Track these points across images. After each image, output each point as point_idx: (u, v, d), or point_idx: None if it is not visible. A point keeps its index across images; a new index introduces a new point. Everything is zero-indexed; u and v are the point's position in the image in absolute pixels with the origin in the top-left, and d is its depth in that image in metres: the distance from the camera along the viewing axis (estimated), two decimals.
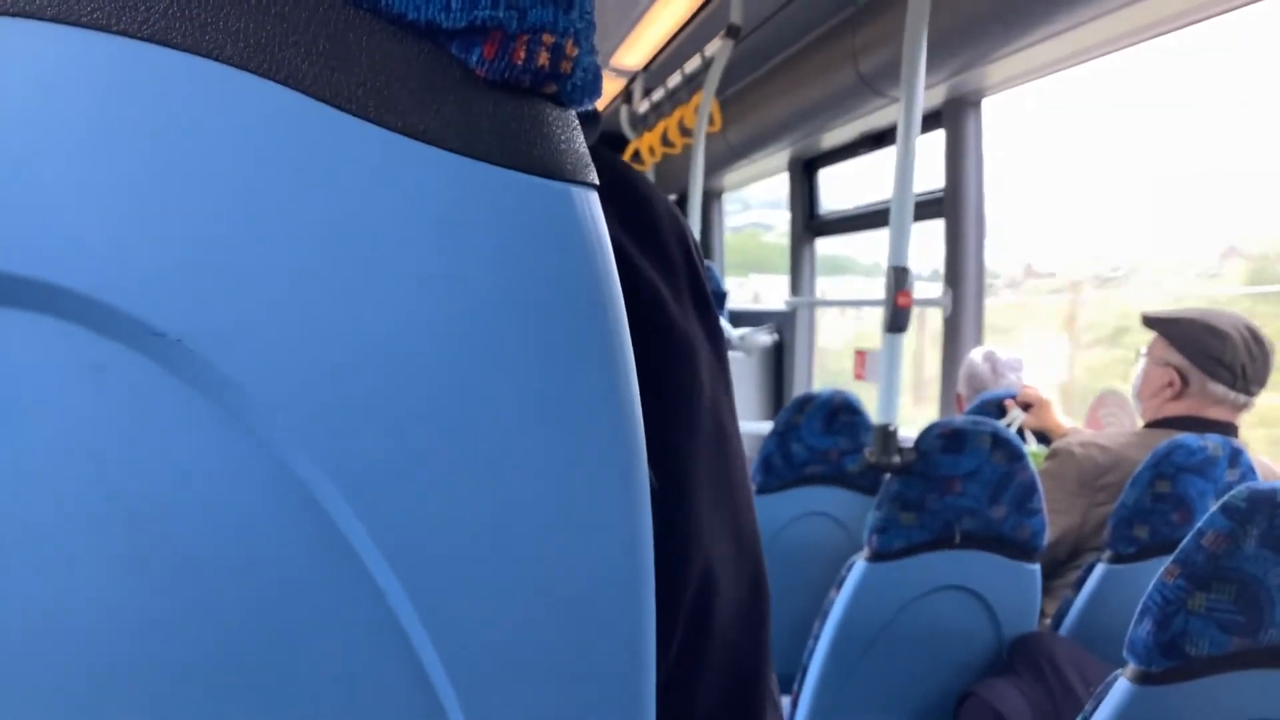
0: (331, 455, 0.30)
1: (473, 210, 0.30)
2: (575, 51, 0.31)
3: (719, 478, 0.49)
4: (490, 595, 0.32)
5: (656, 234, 0.49)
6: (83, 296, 0.29)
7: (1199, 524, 1.16)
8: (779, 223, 5.01)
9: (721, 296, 4.47)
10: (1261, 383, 1.93)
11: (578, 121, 0.33)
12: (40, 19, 0.29)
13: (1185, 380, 1.97)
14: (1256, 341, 1.91)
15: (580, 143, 0.32)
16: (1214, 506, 1.16)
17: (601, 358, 0.32)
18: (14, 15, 0.29)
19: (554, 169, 0.31)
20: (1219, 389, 1.93)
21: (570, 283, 0.31)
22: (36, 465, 0.29)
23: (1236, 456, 1.75)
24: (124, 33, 0.29)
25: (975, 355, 2.68)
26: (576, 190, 0.32)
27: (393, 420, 0.30)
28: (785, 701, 1.85)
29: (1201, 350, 1.94)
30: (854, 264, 4.53)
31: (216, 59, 0.29)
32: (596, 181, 0.33)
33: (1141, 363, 2.06)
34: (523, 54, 0.30)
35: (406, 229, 0.30)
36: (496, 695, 0.33)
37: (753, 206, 5.51)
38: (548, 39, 0.31)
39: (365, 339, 0.30)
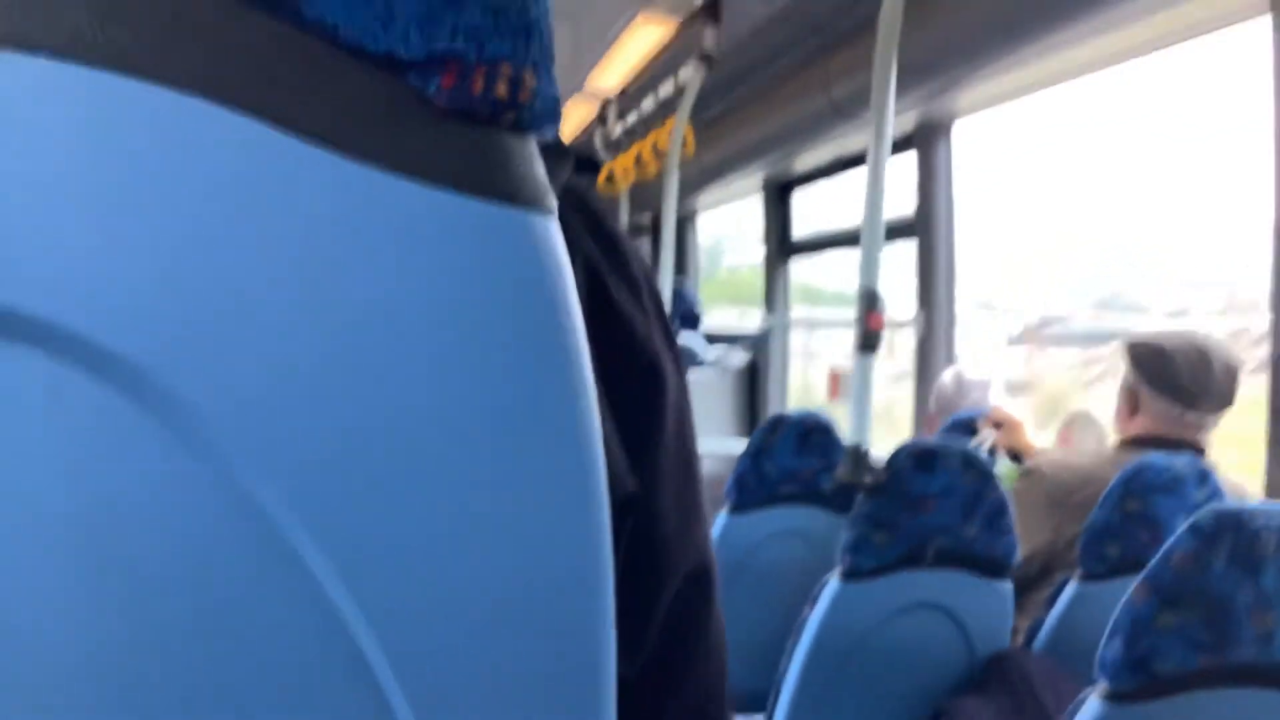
0: (287, 477, 0.30)
1: (431, 237, 0.31)
2: (534, 82, 0.32)
3: (686, 495, 0.53)
4: (444, 609, 0.32)
5: (628, 267, 0.51)
6: (38, 320, 0.29)
7: (1168, 543, 1.17)
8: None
9: (696, 318, 4.49)
10: (1217, 400, 1.94)
11: (537, 149, 0.33)
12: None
13: (1136, 399, 2.00)
14: (1202, 359, 1.93)
15: (539, 170, 0.33)
16: (1183, 526, 1.17)
17: (559, 381, 0.32)
18: None
19: (512, 195, 0.31)
20: (1163, 405, 1.95)
21: (529, 307, 0.32)
22: None
23: (1204, 476, 1.77)
24: (82, 61, 0.29)
25: (945, 375, 2.70)
26: (535, 217, 0.32)
27: (348, 442, 0.30)
28: (759, 718, 1.85)
29: (1148, 369, 1.97)
30: (820, 294, 4.56)
31: (175, 88, 0.29)
32: (555, 208, 0.33)
33: None
34: (480, 84, 0.31)
35: (364, 256, 0.30)
36: (450, 706, 0.33)
37: None
38: (506, 70, 0.31)
39: (322, 363, 0.30)
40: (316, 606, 0.31)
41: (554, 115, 0.33)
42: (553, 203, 0.33)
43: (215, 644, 0.31)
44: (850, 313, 1.89)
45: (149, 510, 0.30)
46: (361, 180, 0.30)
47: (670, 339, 0.53)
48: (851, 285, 1.86)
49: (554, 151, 0.40)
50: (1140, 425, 2.00)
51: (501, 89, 0.31)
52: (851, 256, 3.54)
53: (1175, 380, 1.93)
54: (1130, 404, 2.01)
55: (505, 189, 0.31)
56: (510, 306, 0.32)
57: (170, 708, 0.31)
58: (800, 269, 4.14)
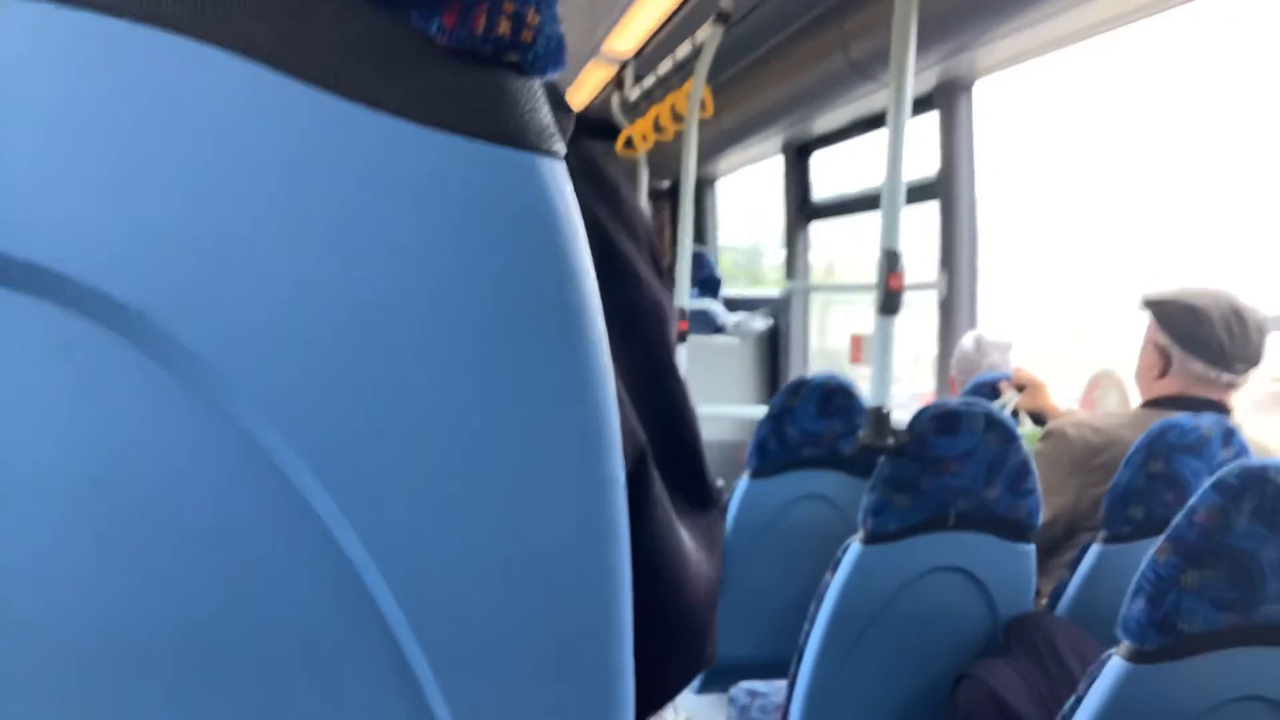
0: (295, 426, 0.30)
1: (436, 181, 0.30)
2: (536, 20, 0.31)
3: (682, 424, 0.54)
4: (460, 564, 0.32)
5: (626, 211, 0.52)
6: (46, 270, 0.29)
7: (1191, 501, 1.16)
8: None
9: (716, 282, 4.47)
10: (1248, 360, 1.92)
11: (542, 91, 0.32)
12: None
13: (1168, 359, 1.96)
14: (1238, 319, 1.90)
15: (545, 113, 0.32)
16: (1206, 483, 1.16)
17: (569, 325, 0.32)
18: None
19: (517, 138, 0.31)
20: (1199, 366, 1.92)
21: (536, 251, 0.31)
22: (3, 436, 0.29)
23: (1230, 436, 1.75)
24: (80, 5, 0.28)
25: (965, 339, 2.68)
26: (541, 159, 0.31)
27: (357, 390, 0.30)
28: (782, 684, 1.85)
29: (1181, 328, 1.93)
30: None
31: (175, 31, 0.29)
32: (561, 151, 0.32)
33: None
34: (483, 22, 0.30)
35: (369, 200, 0.30)
36: (471, 663, 0.33)
37: None
38: (508, 7, 0.30)
39: (328, 310, 0.30)
40: (330, 560, 0.31)
41: (558, 56, 0.32)
42: (559, 146, 0.32)
43: (230, 597, 0.31)
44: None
45: (158, 460, 0.30)
46: (364, 123, 0.29)
47: (661, 272, 0.54)
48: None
49: (556, 105, 0.39)
50: (1170, 386, 1.97)
51: (504, 27, 0.30)
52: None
53: (1212, 340, 1.90)
54: (1160, 364, 1.98)
55: (510, 131, 0.31)
56: (518, 251, 0.31)
57: (186, 660, 0.31)
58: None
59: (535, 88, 0.32)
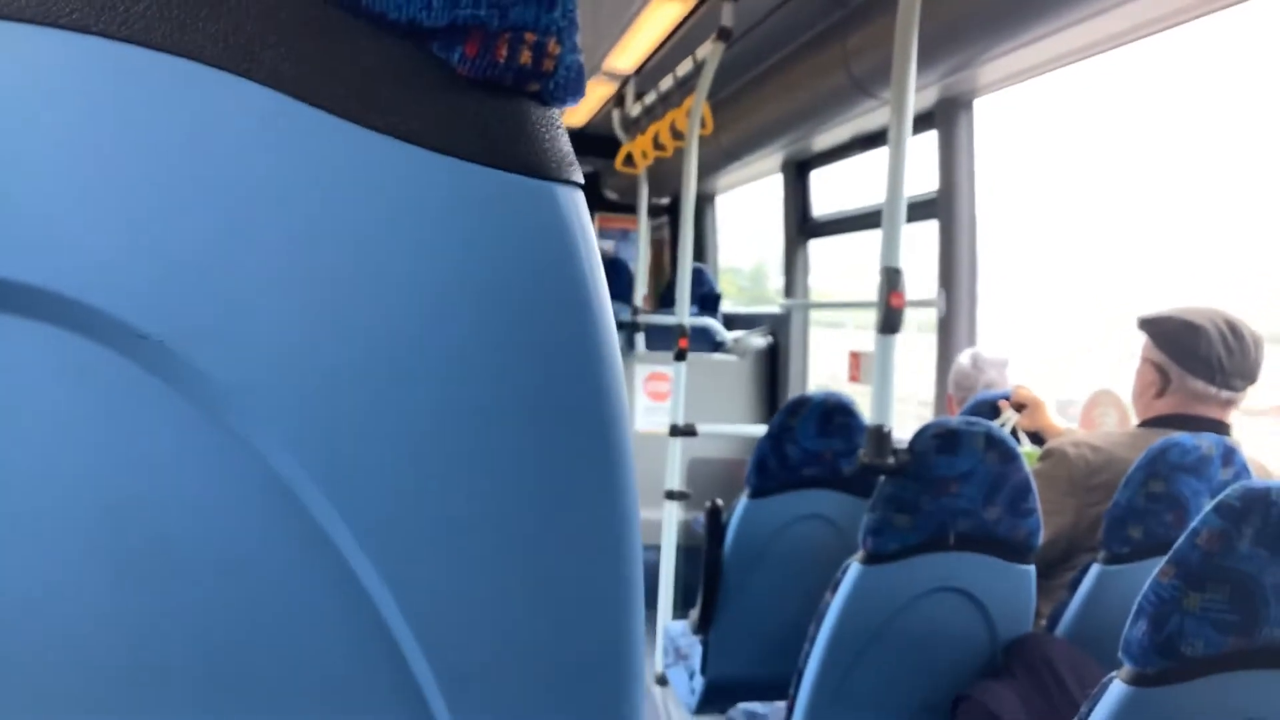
0: (314, 455, 0.30)
1: (456, 209, 0.30)
2: (558, 50, 0.31)
3: None
4: (474, 592, 0.32)
5: None
6: (67, 299, 0.29)
7: (1193, 523, 1.15)
8: None
9: (715, 299, 4.48)
10: (1245, 377, 1.92)
11: (560, 120, 0.32)
12: (19, 20, 0.29)
13: (1166, 377, 1.96)
14: (1234, 335, 1.90)
15: (564, 141, 0.32)
16: (1208, 506, 1.15)
17: (585, 352, 0.32)
18: None
19: (538, 167, 0.31)
20: (1198, 384, 1.92)
21: (555, 280, 0.31)
22: (19, 464, 0.29)
23: (1230, 455, 1.75)
24: (104, 34, 0.28)
25: (962, 356, 2.68)
26: (561, 189, 0.31)
27: (372, 416, 0.30)
28: (781, 705, 1.85)
29: (1178, 346, 1.93)
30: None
31: (197, 60, 0.29)
32: (580, 179, 0.32)
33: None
34: (505, 52, 0.30)
35: (388, 228, 0.30)
36: (483, 691, 0.32)
37: None
38: (530, 37, 0.30)
39: (346, 336, 0.30)
40: (342, 582, 0.31)
41: (578, 85, 0.32)
42: (578, 174, 0.32)
43: (243, 620, 0.31)
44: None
45: (175, 486, 0.30)
46: (384, 152, 0.29)
47: None
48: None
49: None
50: (1169, 404, 1.97)
51: (525, 57, 0.30)
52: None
53: (1210, 357, 1.90)
54: (1158, 383, 1.97)
55: (530, 160, 0.31)
56: (537, 280, 0.31)
57: (198, 682, 0.31)
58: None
59: (555, 117, 0.32)
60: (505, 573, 0.32)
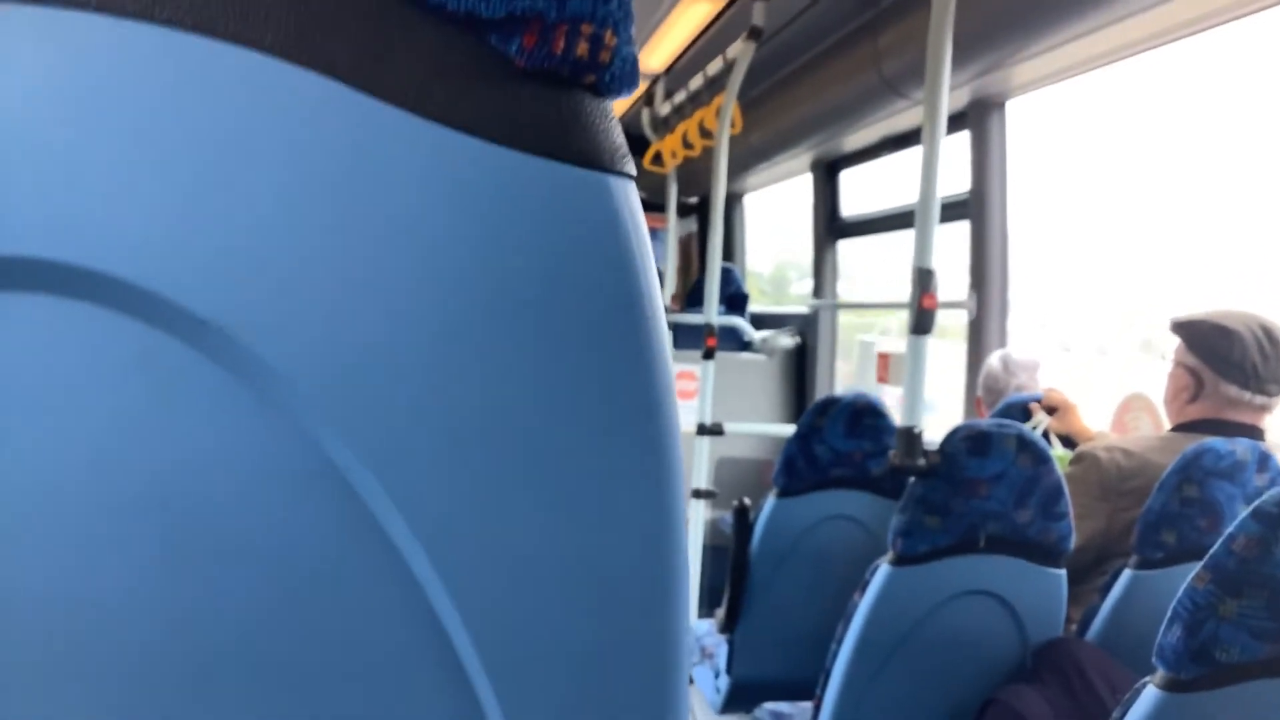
0: (369, 442, 0.30)
1: (511, 200, 0.30)
2: (614, 41, 0.31)
3: None
4: (523, 582, 0.32)
5: None
6: (129, 285, 0.29)
7: (1230, 529, 1.14)
8: None
9: (743, 299, 4.47)
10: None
11: (613, 112, 0.32)
12: (84, 10, 0.29)
13: (1200, 382, 1.94)
14: (1270, 340, 1.87)
15: (618, 133, 0.32)
16: (1244, 511, 1.14)
17: (637, 341, 0.32)
18: (59, 6, 0.29)
19: (592, 159, 0.31)
20: (1232, 389, 1.90)
21: (608, 272, 0.31)
22: (80, 450, 0.30)
23: (1265, 461, 1.73)
24: (166, 22, 0.29)
25: (992, 358, 2.66)
26: (615, 180, 0.31)
27: (430, 407, 0.30)
28: (807, 706, 1.84)
29: (1212, 350, 1.91)
30: None
31: (257, 49, 0.29)
32: (634, 172, 0.32)
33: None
34: (562, 44, 0.30)
35: (445, 219, 0.30)
36: (531, 681, 0.33)
37: None
38: (586, 29, 0.31)
39: (403, 327, 0.30)
40: (393, 569, 0.31)
41: (633, 77, 0.32)
42: (631, 166, 0.32)
43: (297, 610, 0.31)
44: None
45: (232, 473, 0.30)
46: (441, 143, 0.30)
47: None
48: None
49: None
50: (1202, 409, 1.95)
51: (582, 48, 0.31)
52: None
53: (1244, 362, 1.88)
54: (1191, 387, 1.95)
55: (585, 151, 0.31)
56: (591, 272, 0.31)
57: (251, 672, 0.31)
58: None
59: (608, 108, 0.32)
60: (555, 562, 0.32)
